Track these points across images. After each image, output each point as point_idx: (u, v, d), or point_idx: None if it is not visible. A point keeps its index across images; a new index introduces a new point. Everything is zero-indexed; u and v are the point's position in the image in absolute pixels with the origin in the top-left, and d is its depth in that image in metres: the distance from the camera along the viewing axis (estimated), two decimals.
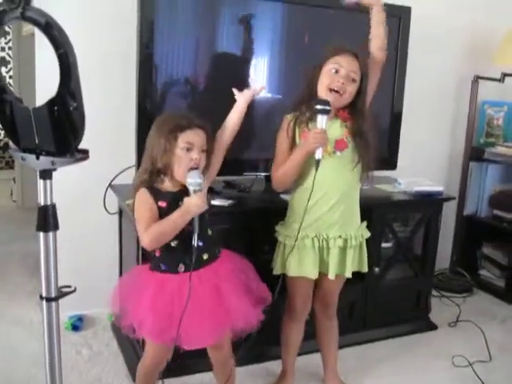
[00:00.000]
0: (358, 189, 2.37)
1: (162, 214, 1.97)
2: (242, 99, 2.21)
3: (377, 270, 2.96)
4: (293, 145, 2.27)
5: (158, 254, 2.05)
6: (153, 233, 1.96)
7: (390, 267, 3.07)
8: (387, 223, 3.01)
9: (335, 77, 2.16)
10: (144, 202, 2.00)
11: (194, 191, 1.93)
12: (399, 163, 3.18)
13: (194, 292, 1.95)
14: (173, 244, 2.00)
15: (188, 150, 1.96)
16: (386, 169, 3.19)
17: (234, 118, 2.18)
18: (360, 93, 2.23)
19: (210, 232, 2.09)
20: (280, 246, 2.35)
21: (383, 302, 3.05)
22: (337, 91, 2.17)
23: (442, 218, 3.17)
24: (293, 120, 2.26)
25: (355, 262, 2.37)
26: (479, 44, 3.74)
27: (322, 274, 2.33)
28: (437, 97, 3.74)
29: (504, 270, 3.72)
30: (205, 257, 2.05)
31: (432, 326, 3.23)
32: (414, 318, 3.20)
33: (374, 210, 2.88)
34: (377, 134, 2.35)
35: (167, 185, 2.02)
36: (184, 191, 1.98)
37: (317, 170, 2.17)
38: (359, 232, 2.36)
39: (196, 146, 1.96)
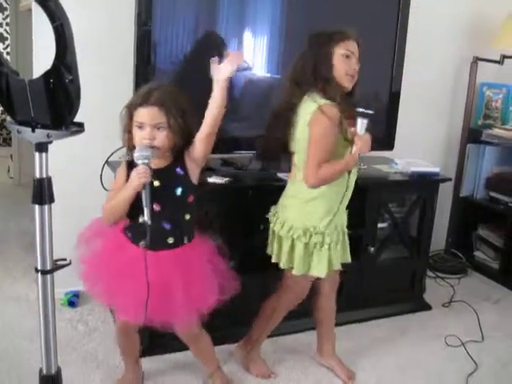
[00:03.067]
0: None
1: None
2: (220, 77, 2.00)
3: (372, 249, 2.97)
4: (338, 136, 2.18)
5: (127, 223, 2.07)
6: (105, 209, 2.03)
7: (386, 247, 3.08)
8: (383, 203, 3.02)
9: (349, 63, 2.19)
10: (117, 174, 2.06)
11: (143, 163, 1.91)
12: (396, 144, 3.17)
13: (143, 270, 1.95)
14: (140, 219, 1.96)
15: (140, 127, 1.95)
16: (383, 149, 3.19)
17: (212, 110, 2.00)
18: None
19: (187, 217, 2.07)
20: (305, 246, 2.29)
21: (378, 282, 3.06)
22: (352, 76, 2.21)
23: (438, 199, 3.17)
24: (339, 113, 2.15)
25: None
26: (479, 25, 3.72)
27: None
28: (436, 78, 3.73)
29: (499, 252, 3.74)
30: (170, 241, 2.04)
31: (426, 307, 3.25)
32: (408, 298, 3.23)
33: (370, 190, 2.89)
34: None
35: None
36: (163, 169, 2.00)
37: (350, 173, 2.23)
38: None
39: (147, 124, 1.93)
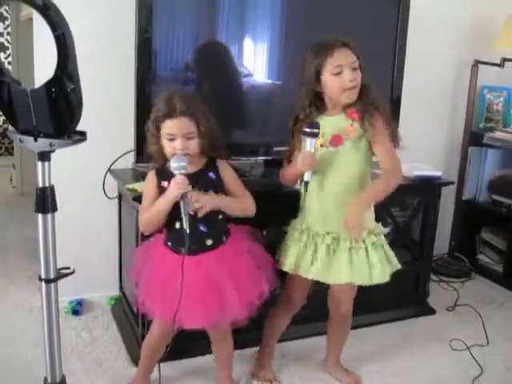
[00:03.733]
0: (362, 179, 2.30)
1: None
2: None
3: None
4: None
5: (166, 232, 2.11)
6: (143, 218, 2.07)
7: None
8: (385, 207, 3.01)
9: (342, 77, 2.12)
10: (147, 183, 2.09)
11: (180, 174, 1.94)
12: (398, 148, 3.16)
13: (188, 276, 1.98)
14: (176, 226, 2.04)
15: (171, 139, 1.98)
16: None
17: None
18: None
19: (220, 217, 2.11)
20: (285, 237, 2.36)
21: (381, 287, 3.03)
22: (352, 88, 2.14)
23: (440, 203, 3.17)
24: (291, 123, 2.25)
25: (360, 266, 2.28)
26: (479, 29, 3.73)
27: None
28: (436, 81, 3.73)
29: (502, 255, 3.72)
30: (208, 242, 2.07)
31: (430, 311, 3.24)
32: (412, 303, 3.21)
33: None
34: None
35: None
36: (196, 173, 2.03)
37: (305, 191, 2.23)
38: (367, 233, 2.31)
39: (178, 135, 1.97)
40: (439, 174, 3.13)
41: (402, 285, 3.14)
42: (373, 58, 2.92)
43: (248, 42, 2.77)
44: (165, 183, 2.03)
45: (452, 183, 3.30)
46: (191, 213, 1.99)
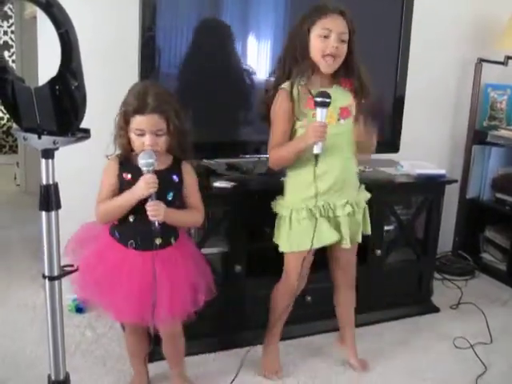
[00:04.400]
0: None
1: (125, 185, 1.99)
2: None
3: (379, 252, 2.97)
4: (294, 116, 2.21)
5: (116, 223, 2.08)
6: (101, 210, 2.03)
7: (392, 250, 3.07)
8: (389, 206, 3.01)
9: (327, 42, 2.12)
10: (107, 171, 2.05)
11: (148, 171, 1.92)
12: (402, 146, 3.17)
13: (132, 270, 2.01)
14: (130, 219, 2.01)
15: (140, 135, 1.96)
16: (388, 151, 3.19)
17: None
18: (350, 51, 2.20)
19: None
20: (284, 220, 2.32)
21: (385, 285, 3.05)
22: (332, 55, 2.14)
23: (444, 201, 3.16)
24: (291, 88, 2.18)
25: (361, 225, 2.38)
26: (483, 27, 3.72)
27: (334, 244, 2.34)
28: (440, 80, 3.73)
29: (506, 254, 3.72)
30: (157, 241, 2.03)
31: (434, 309, 3.24)
32: (415, 301, 3.21)
33: (376, 193, 2.87)
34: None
35: None
36: (159, 172, 2.00)
37: (316, 164, 2.17)
38: (361, 195, 2.40)
39: (148, 131, 1.95)
40: (443, 172, 3.13)
41: (405, 283, 3.15)
42: (377, 57, 2.94)
43: (251, 40, 2.77)
44: (128, 175, 2.01)
45: (456, 181, 3.29)
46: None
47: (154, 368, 2.45)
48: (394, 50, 3.04)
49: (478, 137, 3.78)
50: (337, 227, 2.31)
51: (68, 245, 2.11)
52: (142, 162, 1.92)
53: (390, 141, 3.13)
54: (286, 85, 2.21)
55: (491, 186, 3.83)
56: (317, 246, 2.29)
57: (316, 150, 2.13)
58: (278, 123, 2.24)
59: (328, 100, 2.09)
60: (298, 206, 2.28)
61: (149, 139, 1.95)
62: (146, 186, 1.92)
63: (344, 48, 2.16)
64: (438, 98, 3.77)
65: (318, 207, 2.26)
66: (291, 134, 2.26)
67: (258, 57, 2.82)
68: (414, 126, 3.38)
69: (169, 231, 2.09)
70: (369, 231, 2.45)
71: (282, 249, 2.34)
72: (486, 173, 3.83)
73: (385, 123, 3.11)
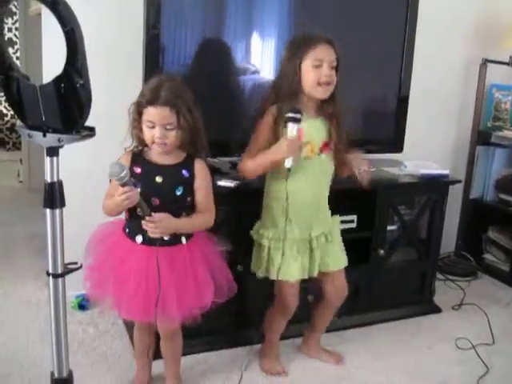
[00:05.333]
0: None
1: (135, 179, 1.96)
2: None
3: (381, 252, 2.97)
4: (274, 138, 2.23)
5: (126, 216, 2.09)
6: (104, 204, 2.05)
7: (395, 250, 3.07)
8: (392, 206, 3.01)
9: (320, 71, 2.16)
10: None
11: (122, 185, 1.83)
12: (405, 146, 3.16)
13: (140, 266, 2.01)
14: (138, 212, 1.98)
15: (151, 127, 1.97)
16: (392, 151, 3.19)
17: None
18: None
19: (184, 215, 2.07)
20: (263, 249, 2.35)
21: (388, 285, 3.05)
22: (326, 83, 2.18)
23: (447, 202, 3.16)
24: (276, 114, 2.22)
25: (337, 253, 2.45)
26: (488, 27, 3.71)
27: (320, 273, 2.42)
28: (444, 80, 3.72)
29: (509, 255, 3.71)
30: (166, 237, 2.03)
31: (436, 309, 3.24)
32: (418, 301, 3.21)
33: (379, 193, 2.88)
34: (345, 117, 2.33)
35: (152, 154, 2.07)
36: (170, 167, 2.03)
37: (287, 178, 2.22)
38: (335, 225, 2.46)
39: (158, 124, 1.96)
40: (446, 172, 3.12)
41: (407, 283, 3.15)
42: (381, 57, 2.94)
43: (255, 39, 2.77)
44: (138, 169, 2.03)
45: (459, 182, 3.29)
46: (156, 203, 2.00)
47: (157, 366, 2.45)
48: (398, 49, 3.04)
49: (482, 137, 3.78)
50: (311, 256, 2.38)
51: (88, 245, 2.14)
52: (113, 178, 1.82)
53: (393, 141, 3.13)
54: (274, 107, 2.23)
55: (495, 186, 3.82)
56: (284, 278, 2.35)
57: (287, 164, 2.17)
58: (257, 138, 2.27)
59: (298, 116, 2.13)
60: (276, 236, 2.31)
61: (158, 132, 1.96)
62: (121, 200, 1.88)
63: (335, 75, 2.20)
64: (442, 98, 3.76)
65: (294, 239, 2.31)
66: None
67: (262, 56, 2.82)
68: (418, 126, 3.38)
69: None
70: (343, 263, 2.48)
71: (259, 276, 2.39)
72: (490, 173, 3.82)
73: (389, 123, 3.11)
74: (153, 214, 1.94)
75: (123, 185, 1.83)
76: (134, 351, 2.42)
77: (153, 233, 1.96)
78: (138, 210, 1.95)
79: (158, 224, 1.94)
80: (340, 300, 2.56)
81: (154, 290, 1.98)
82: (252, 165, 2.26)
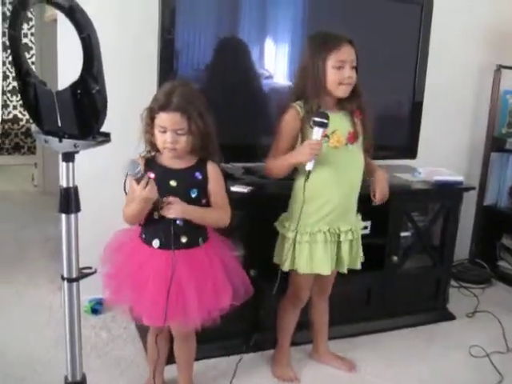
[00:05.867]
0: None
1: None
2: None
3: (395, 258, 2.95)
4: (300, 135, 2.26)
5: (142, 223, 2.09)
6: (125, 212, 2.06)
7: (409, 256, 3.06)
8: (406, 212, 3.00)
9: (342, 72, 2.19)
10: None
11: (137, 180, 1.90)
12: (419, 152, 3.16)
13: (159, 270, 2.01)
14: (155, 216, 2.02)
15: (163, 132, 1.99)
16: (406, 158, 3.18)
17: None
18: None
19: None
20: (288, 242, 2.36)
21: (401, 292, 3.04)
22: (347, 84, 2.22)
23: (461, 208, 3.14)
24: (303, 112, 2.25)
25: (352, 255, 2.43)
26: (502, 33, 3.69)
27: None
28: (458, 86, 3.71)
29: None
30: (183, 240, 2.05)
31: (450, 317, 3.22)
32: (431, 308, 3.19)
33: (393, 199, 2.86)
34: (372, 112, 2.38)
35: (165, 158, 2.08)
36: (182, 170, 2.04)
37: (306, 180, 2.22)
38: (358, 224, 2.44)
39: (169, 129, 1.98)
40: (461, 179, 3.11)
41: (421, 290, 3.14)
42: (395, 63, 2.93)
43: (269, 43, 2.78)
44: (151, 174, 2.02)
45: (473, 188, 3.27)
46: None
47: (170, 371, 2.45)
48: (412, 55, 3.03)
49: (496, 144, 3.76)
50: (337, 253, 2.38)
51: (104, 252, 2.14)
52: (130, 172, 1.90)
53: (407, 147, 3.13)
54: (298, 103, 2.27)
55: (509, 193, 3.81)
56: (315, 271, 2.35)
57: (308, 166, 2.19)
58: (281, 137, 2.30)
59: (326, 121, 2.15)
60: (302, 229, 2.31)
61: (170, 137, 1.97)
62: (140, 195, 1.92)
63: (355, 74, 2.24)
64: (456, 105, 3.75)
65: (322, 232, 2.31)
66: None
67: (276, 61, 2.82)
68: (432, 132, 3.37)
69: (196, 231, 2.09)
70: (358, 266, 2.47)
71: (285, 268, 2.37)
72: (504, 180, 3.81)
73: (403, 129, 3.10)
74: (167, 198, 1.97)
75: (138, 180, 1.89)
76: (146, 356, 2.42)
77: (168, 213, 1.96)
78: (155, 213, 1.98)
79: (172, 205, 1.96)
80: (321, 299, 2.58)
81: (174, 293, 1.99)
82: (275, 165, 2.30)
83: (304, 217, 2.29)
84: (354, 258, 2.42)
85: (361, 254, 2.46)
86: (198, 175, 2.08)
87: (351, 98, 2.28)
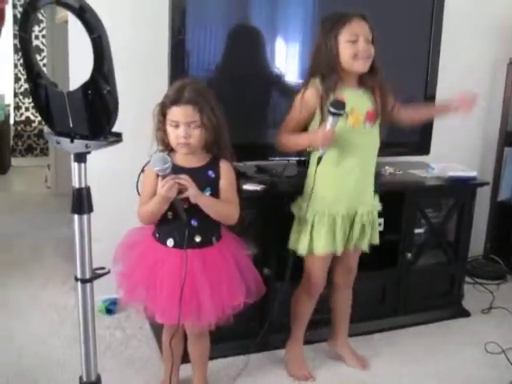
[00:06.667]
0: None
1: None
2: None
3: (409, 255, 2.94)
4: (314, 114, 2.26)
5: (156, 223, 2.10)
6: (141, 212, 2.06)
7: (423, 253, 3.04)
8: (420, 208, 2.98)
9: (356, 46, 2.17)
10: (146, 176, 2.07)
11: (163, 176, 1.92)
12: (432, 148, 3.14)
13: (174, 269, 2.01)
14: (169, 215, 2.03)
15: (175, 126, 1.99)
16: (419, 154, 3.16)
17: None
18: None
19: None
20: (306, 224, 2.33)
21: (415, 288, 3.03)
22: (365, 57, 2.20)
23: (475, 204, 3.12)
24: (322, 91, 2.22)
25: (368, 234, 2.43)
26: None
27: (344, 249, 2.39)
28: (471, 80, 3.66)
29: None
30: (197, 239, 2.06)
31: (465, 313, 3.19)
32: (446, 305, 3.17)
33: (407, 195, 2.86)
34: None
35: (178, 157, 2.07)
36: (195, 169, 2.03)
37: (317, 165, 2.23)
38: (375, 203, 2.44)
39: (182, 123, 1.97)
40: (474, 174, 3.08)
41: (436, 286, 3.12)
42: (407, 57, 2.92)
43: (280, 43, 2.77)
44: None
45: (487, 184, 3.25)
46: (185, 205, 1.99)
47: (184, 370, 2.45)
48: (424, 50, 3.01)
49: (509, 139, 3.73)
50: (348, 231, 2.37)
51: (117, 251, 2.16)
52: (157, 168, 1.92)
53: (420, 143, 3.11)
54: (316, 81, 2.25)
55: None
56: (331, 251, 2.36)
57: (321, 153, 2.21)
58: (296, 111, 2.30)
59: (342, 112, 2.14)
60: (321, 211, 2.31)
61: (183, 131, 1.97)
62: (163, 191, 1.93)
63: (372, 49, 2.22)
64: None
65: (340, 214, 2.31)
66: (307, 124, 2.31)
67: (287, 59, 2.82)
68: (445, 127, 3.34)
69: (209, 229, 2.10)
70: (377, 241, 2.47)
71: (302, 252, 2.37)
72: None
73: (416, 125, 3.08)
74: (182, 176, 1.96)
75: (164, 176, 1.91)
76: (161, 356, 2.42)
77: (183, 195, 1.95)
78: (169, 213, 2.00)
79: (185, 179, 1.95)
80: (348, 282, 2.56)
81: (190, 292, 1.99)
82: (287, 141, 2.33)
83: (323, 197, 2.29)
84: (370, 237, 2.42)
85: (376, 237, 2.46)
86: (211, 174, 2.08)
87: (371, 75, 2.26)
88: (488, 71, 3.75)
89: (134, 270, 2.10)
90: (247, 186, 2.53)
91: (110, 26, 1.52)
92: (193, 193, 1.96)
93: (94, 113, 1.45)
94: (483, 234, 3.86)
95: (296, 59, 2.84)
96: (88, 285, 1.62)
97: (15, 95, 6.82)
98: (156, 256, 2.08)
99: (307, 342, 2.64)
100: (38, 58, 6.19)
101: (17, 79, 6.77)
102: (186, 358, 2.39)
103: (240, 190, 2.22)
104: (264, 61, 2.74)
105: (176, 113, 1.98)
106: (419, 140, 3.11)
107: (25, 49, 1.51)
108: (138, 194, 2.13)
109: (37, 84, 1.51)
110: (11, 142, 6.82)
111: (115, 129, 1.51)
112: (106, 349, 2.68)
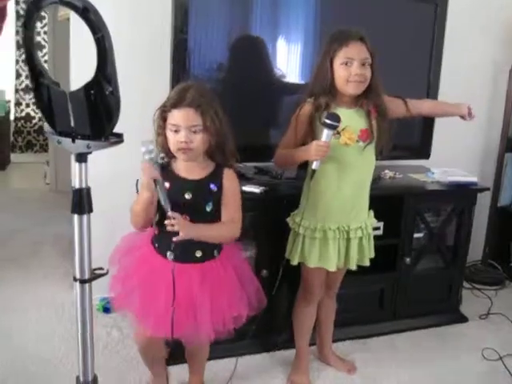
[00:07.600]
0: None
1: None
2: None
3: (408, 260, 2.93)
4: (308, 132, 2.26)
5: (156, 232, 2.04)
6: (131, 211, 1.98)
7: (422, 258, 3.04)
8: (419, 213, 2.98)
9: (350, 69, 2.16)
10: (143, 185, 1.96)
11: (150, 159, 1.83)
12: (433, 153, 3.13)
13: (171, 283, 1.92)
14: (168, 228, 1.89)
15: (176, 131, 1.90)
16: (419, 158, 3.16)
17: None
18: (372, 73, 2.21)
19: None
20: (298, 237, 2.34)
21: (414, 293, 3.02)
22: (356, 81, 2.18)
23: (475, 209, 3.11)
24: (312, 110, 2.23)
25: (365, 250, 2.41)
26: None
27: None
28: (473, 85, 3.67)
29: None
30: (198, 254, 2.00)
31: (462, 318, 3.19)
32: (444, 310, 3.17)
33: (406, 200, 2.86)
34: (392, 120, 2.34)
35: (180, 167, 2.00)
36: (196, 182, 1.97)
37: (311, 179, 2.22)
38: (369, 221, 2.41)
39: (183, 127, 1.88)
40: (474, 179, 3.08)
41: (434, 291, 3.11)
42: (409, 63, 2.91)
43: (281, 43, 2.77)
44: (166, 184, 1.93)
45: (487, 189, 3.25)
46: (186, 219, 1.92)
47: (183, 370, 2.45)
48: (426, 55, 3.01)
49: (510, 144, 3.73)
50: (346, 250, 2.36)
51: (112, 255, 2.10)
52: (143, 149, 1.83)
53: (420, 147, 3.11)
54: (311, 101, 2.25)
55: None
56: (324, 266, 2.35)
57: (314, 166, 2.19)
58: (292, 130, 2.30)
59: (337, 124, 2.13)
60: (313, 225, 2.30)
61: (184, 135, 1.88)
62: (143, 173, 1.86)
63: (368, 72, 2.19)
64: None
65: (332, 230, 2.30)
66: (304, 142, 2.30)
67: (288, 60, 2.81)
68: (446, 132, 3.33)
69: (211, 244, 2.03)
70: (372, 254, 2.45)
71: (295, 263, 2.37)
72: None
73: (416, 129, 3.08)
74: (170, 212, 1.86)
75: (150, 160, 1.84)
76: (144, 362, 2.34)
77: (171, 229, 1.85)
78: (167, 226, 1.87)
79: (176, 222, 1.85)
80: (330, 293, 2.56)
81: (187, 308, 1.95)
82: (282, 157, 2.33)
83: (315, 212, 2.29)
84: (364, 255, 2.40)
85: (372, 251, 2.43)
86: (214, 187, 1.99)
87: (367, 97, 2.25)
88: (489, 76, 3.75)
89: (130, 276, 2.05)
90: (246, 188, 2.52)
91: (113, 26, 1.51)
92: (186, 234, 1.87)
93: (95, 113, 1.44)
94: (482, 239, 3.85)
95: (298, 59, 2.84)
96: (86, 285, 1.61)
97: (16, 91, 6.81)
98: (154, 266, 2.02)
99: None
100: (40, 54, 6.18)
101: (18, 75, 6.76)
102: (182, 359, 2.39)
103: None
104: (265, 61, 2.74)
105: (177, 116, 1.88)
106: (419, 144, 3.11)
107: (28, 47, 1.50)
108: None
109: (39, 83, 1.50)
110: (11, 138, 6.81)
111: (115, 129, 1.51)
112: (103, 347, 2.68)
